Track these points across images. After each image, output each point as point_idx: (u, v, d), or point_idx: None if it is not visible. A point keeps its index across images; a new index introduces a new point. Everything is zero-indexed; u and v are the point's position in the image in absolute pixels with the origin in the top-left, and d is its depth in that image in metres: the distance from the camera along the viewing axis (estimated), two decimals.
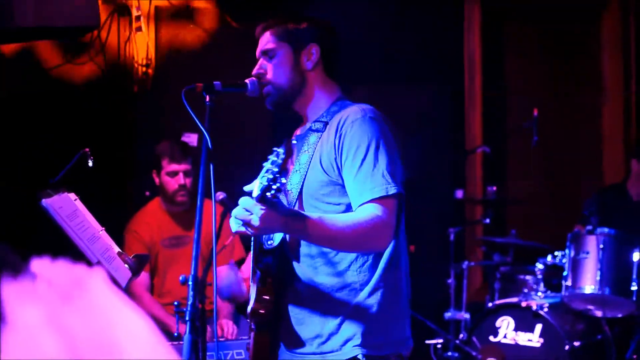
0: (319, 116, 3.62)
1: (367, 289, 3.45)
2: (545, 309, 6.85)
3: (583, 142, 9.10)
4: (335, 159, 3.43)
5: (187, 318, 3.13)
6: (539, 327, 6.86)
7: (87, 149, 4.61)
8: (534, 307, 6.86)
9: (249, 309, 3.50)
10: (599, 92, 9.05)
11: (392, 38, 8.15)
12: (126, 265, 4.04)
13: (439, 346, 7.44)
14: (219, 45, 7.59)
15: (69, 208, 3.91)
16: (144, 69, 7.32)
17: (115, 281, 3.91)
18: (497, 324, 7.04)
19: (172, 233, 6.21)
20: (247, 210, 3.11)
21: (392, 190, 3.33)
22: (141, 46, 7.30)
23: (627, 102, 8.94)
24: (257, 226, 3.11)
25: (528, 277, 7.33)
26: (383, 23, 8.07)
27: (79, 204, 4.05)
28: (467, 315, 7.53)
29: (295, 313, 3.53)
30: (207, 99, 3.46)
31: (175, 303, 3.36)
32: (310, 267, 3.49)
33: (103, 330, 1.18)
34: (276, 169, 3.00)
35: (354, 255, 3.45)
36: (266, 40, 3.66)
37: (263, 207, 3.08)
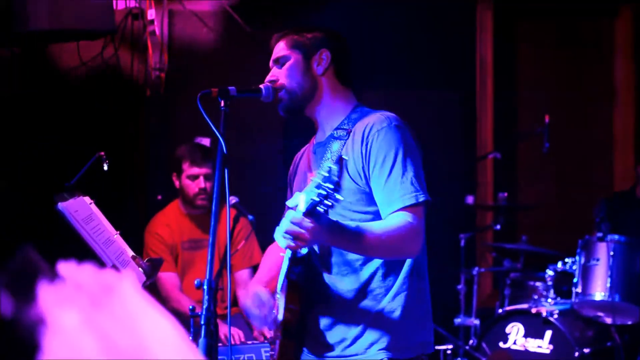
0: (339, 123, 3.66)
1: (391, 293, 3.51)
2: (555, 316, 6.85)
3: (594, 147, 9.10)
4: (363, 167, 3.48)
5: (202, 322, 3.16)
6: (548, 334, 6.86)
7: (102, 153, 4.63)
8: (544, 314, 6.86)
9: (279, 317, 3.53)
10: (610, 98, 9.05)
11: (403, 43, 8.17)
12: (140, 269, 4.06)
13: (448, 352, 7.44)
14: (231, 49, 7.61)
15: (84, 212, 3.93)
16: (157, 72, 7.35)
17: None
18: (507, 330, 7.04)
19: (191, 236, 6.26)
20: (296, 224, 3.10)
21: (421, 197, 3.39)
22: (154, 50, 7.32)
23: (639, 107, 8.93)
24: (307, 240, 3.14)
25: (538, 284, 7.33)
26: (394, 29, 8.08)
27: (94, 207, 4.07)
28: (477, 321, 7.53)
29: (321, 319, 3.59)
30: (222, 104, 3.50)
31: (190, 307, 3.38)
32: (336, 274, 3.55)
33: (135, 335, 1.20)
34: (331, 186, 2.96)
35: (378, 261, 3.51)
36: (279, 49, 3.72)
37: (311, 221, 3.10)
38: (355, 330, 3.53)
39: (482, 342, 7.13)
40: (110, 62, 7.25)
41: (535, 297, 7.23)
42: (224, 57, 7.59)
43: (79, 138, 6.86)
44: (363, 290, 3.52)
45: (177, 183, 6.25)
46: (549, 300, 7.09)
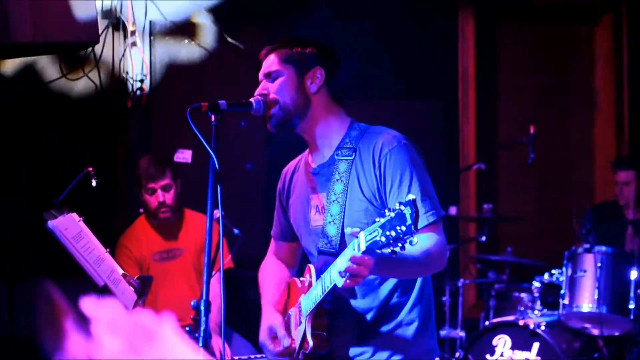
0: (339, 142, 3.63)
1: (408, 306, 3.57)
2: (543, 327, 6.81)
3: (576, 157, 9.09)
4: (378, 188, 3.48)
5: (200, 344, 3.10)
6: (536, 346, 6.82)
7: (91, 168, 4.55)
8: (531, 326, 6.82)
9: (309, 344, 3.52)
10: (591, 106, 9.06)
11: (385, 53, 8.13)
12: (131, 288, 3.98)
13: None
14: (213, 60, 7.54)
15: (74, 229, 3.85)
16: (138, 84, 7.27)
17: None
18: (494, 342, 6.99)
19: (161, 247, 6.22)
20: (355, 263, 3.06)
21: (441, 213, 3.46)
22: (136, 61, 7.24)
23: (619, 116, 8.94)
24: (364, 277, 3.13)
25: (523, 295, 7.30)
26: (375, 38, 8.05)
27: (82, 224, 3.99)
28: (462, 333, 7.50)
29: (343, 339, 3.60)
30: (213, 118, 3.44)
31: (188, 329, 3.31)
32: (358, 294, 3.57)
33: None
34: (404, 229, 2.89)
35: (395, 279, 3.55)
36: (270, 63, 3.67)
37: (369, 259, 3.07)
38: (374, 342, 3.57)
39: (468, 355, 7.08)
40: (91, 74, 7.16)
41: (521, 308, 7.19)
42: (205, 68, 7.51)
43: (61, 150, 6.77)
44: (383, 307, 3.56)
45: (141, 198, 6.23)
46: (536, 311, 7.05)
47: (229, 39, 7.44)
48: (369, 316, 3.57)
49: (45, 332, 1.21)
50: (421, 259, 3.32)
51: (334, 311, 3.56)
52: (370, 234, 2.98)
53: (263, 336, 3.75)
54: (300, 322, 3.61)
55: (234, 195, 6.90)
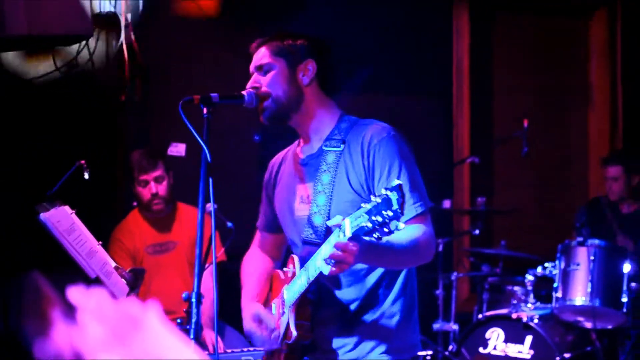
0: (328, 134, 3.64)
1: (391, 298, 3.56)
2: (536, 321, 6.83)
3: (570, 151, 9.12)
4: (367, 179, 3.48)
5: (191, 337, 3.11)
6: (529, 339, 6.84)
7: (83, 161, 4.56)
8: (525, 319, 6.84)
9: (292, 334, 3.52)
10: (586, 101, 9.08)
11: (379, 48, 8.13)
12: (123, 280, 3.99)
13: (428, 358, 7.40)
14: (209, 54, 7.55)
15: (66, 222, 3.86)
16: (133, 77, 7.26)
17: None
18: (487, 335, 7.02)
19: (155, 240, 6.24)
20: (340, 249, 3.02)
21: (429, 204, 3.46)
22: (130, 55, 7.23)
23: (614, 111, 8.96)
24: (349, 264, 3.09)
25: (517, 288, 7.31)
26: (370, 34, 8.05)
27: (75, 217, 3.99)
28: (455, 327, 7.51)
29: (326, 329, 3.60)
30: (205, 111, 3.44)
31: (179, 321, 3.32)
32: (342, 284, 3.57)
33: None
34: (391, 214, 2.86)
35: (381, 270, 3.55)
36: (261, 55, 3.67)
37: (354, 245, 3.03)
38: (357, 335, 3.57)
39: (461, 348, 7.10)
40: (85, 68, 7.14)
41: (515, 302, 7.21)
42: (200, 61, 7.51)
43: (55, 145, 6.76)
44: (367, 298, 3.56)
45: (134, 191, 6.25)
46: (529, 305, 7.07)
47: (225, 32, 7.45)
48: (352, 307, 3.56)
49: (29, 321, 1.22)
50: (409, 248, 3.32)
51: (317, 301, 3.57)
52: (355, 219, 2.95)
53: (248, 324, 3.75)
54: (283, 312, 3.61)
55: (228, 188, 6.91)
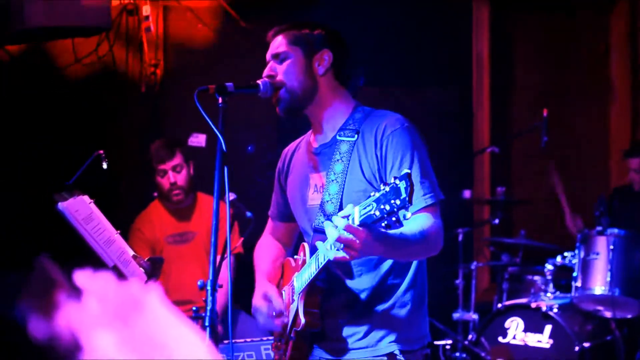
0: (342, 124, 3.63)
1: (402, 289, 3.57)
2: (555, 310, 6.83)
3: (591, 142, 9.09)
4: (379, 169, 3.48)
5: (206, 324, 3.13)
6: (548, 328, 6.84)
7: (102, 151, 4.59)
8: (544, 308, 6.84)
9: (301, 321, 3.52)
10: (606, 93, 9.04)
11: (399, 40, 8.14)
12: (141, 269, 4.02)
13: (447, 347, 7.42)
14: (227, 44, 7.58)
15: (84, 211, 3.89)
16: (153, 68, 7.30)
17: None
18: (506, 324, 7.02)
19: (175, 230, 6.26)
20: (350, 232, 3.00)
21: (440, 196, 3.43)
22: (150, 46, 7.27)
23: (635, 103, 8.93)
24: (358, 250, 3.06)
25: (536, 278, 7.32)
26: (390, 25, 8.05)
27: (93, 206, 4.02)
28: (475, 316, 7.52)
29: (336, 318, 3.60)
30: (220, 100, 3.44)
31: (194, 308, 3.34)
32: (354, 274, 3.57)
33: (163, 349, 1.16)
34: (399, 203, 2.86)
35: (391, 260, 3.54)
36: (278, 44, 3.66)
37: (364, 232, 3.01)
38: (367, 324, 3.57)
39: (481, 337, 7.11)
40: (105, 59, 7.19)
41: (534, 291, 7.21)
42: (219, 53, 7.55)
43: (75, 135, 6.82)
44: (378, 288, 3.56)
45: (155, 181, 6.30)
46: (548, 294, 7.07)
47: (243, 24, 7.48)
48: (363, 296, 3.56)
49: (29, 301, 1.25)
50: (417, 239, 3.30)
51: (327, 290, 3.56)
52: (364, 208, 2.96)
53: (257, 301, 3.74)
54: (293, 300, 3.62)
55: (247, 178, 6.94)
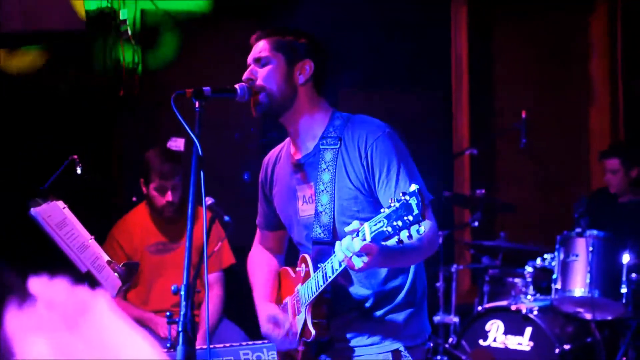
0: (322, 132, 3.66)
1: (405, 289, 3.64)
2: (535, 312, 6.83)
3: (571, 144, 9.10)
4: (367, 177, 3.53)
5: (180, 329, 3.11)
6: (528, 331, 6.84)
7: (76, 156, 4.56)
8: (524, 311, 6.84)
9: (311, 333, 3.58)
10: (586, 95, 9.06)
11: (378, 42, 8.12)
12: (115, 274, 4.00)
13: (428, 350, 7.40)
14: (205, 48, 7.56)
15: (57, 217, 3.86)
16: (131, 73, 7.27)
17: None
18: (487, 327, 7.02)
19: (158, 239, 6.17)
20: (365, 252, 3.11)
21: (429, 197, 3.46)
22: (127, 50, 7.24)
23: (614, 105, 8.95)
24: (368, 265, 3.15)
25: (517, 280, 7.32)
26: (369, 28, 8.04)
27: (67, 212, 4.00)
28: (456, 319, 7.51)
29: (341, 324, 3.66)
30: (197, 104, 3.43)
31: (168, 314, 3.32)
32: (356, 280, 3.63)
33: (109, 355, 1.15)
34: (412, 219, 2.95)
35: None
36: (261, 48, 3.67)
37: (373, 248, 3.11)
38: (372, 323, 3.64)
39: (461, 340, 7.11)
40: (83, 64, 7.15)
41: (514, 293, 7.22)
42: (197, 56, 7.52)
43: (53, 140, 6.77)
44: (380, 292, 3.62)
45: (144, 189, 6.13)
46: (529, 296, 7.07)
47: (221, 26, 7.46)
48: (366, 301, 3.63)
49: None
50: (421, 246, 3.38)
51: (332, 299, 3.61)
52: (375, 224, 3.03)
53: (265, 326, 3.80)
54: (299, 312, 3.66)
55: (225, 182, 6.91)
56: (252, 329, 5.58)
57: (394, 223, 2.97)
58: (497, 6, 8.96)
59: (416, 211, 2.93)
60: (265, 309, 3.83)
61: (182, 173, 6.09)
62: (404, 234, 2.97)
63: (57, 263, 3.75)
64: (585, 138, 9.07)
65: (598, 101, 9.01)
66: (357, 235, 3.10)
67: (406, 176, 3.46)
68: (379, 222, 3.01)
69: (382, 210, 3.02)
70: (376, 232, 3.02)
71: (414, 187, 2.97)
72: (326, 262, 3.42)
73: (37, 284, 1.14)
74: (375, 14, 8.08)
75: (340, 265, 3.29)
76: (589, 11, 9.07)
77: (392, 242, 3.02)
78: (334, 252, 3.31)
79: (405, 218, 2.94)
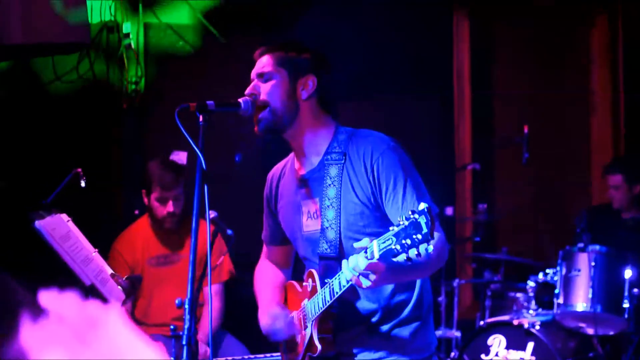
0: (327, 147, 3.67)
1: (410, 305, 3.65)
2: (537, 327, 6.81)
3: (572, 157, 9.09)
4: (373, 193, 3.54)
5: (183, 342, 3.11)
6: (530, 345, 6.82)
7: (80, 169, 4.56)
8: (526, 325, 6.82)
9: (317, 348, 3.59)
10: (587, 106, 9.06)
11: (379, 52, 8.12)
12: (119, 287, 3.99)
13: None
14: (208, 61, 7.56)
15: (62, 229, 3.86)
16: (133, 85, 7.28)
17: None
18: (489, 342, 6.99)
19: (159, 252, 6.14)
20: (371, 271, 3.14)
21: (436, 209, 3.44)
22: (130, 63, 7.25)
23: (616, 115, 8.95)
24: (375, 282, 3.19)
25: (519, 295, 7.31)
26: (370, 36, 8.04)
27: (71, 225, 4.00)
28: (458, 334, 7.50)
29: (348, 338, 3.67)
30: (201, 118, 3.43)
31: (172, 327, 3.31)
32: (363, 296, 3.64)
33: None
34: (420, 237, 2.97)
35: None
36: (264, 64, 3.68)
37: (381, 266, 3.13)
38: (378, 343, 3.64)
39: (463, 355, 7.08)
40: (86, 76, 7.16)
41: (516, 308, 7.21)
42: (200, 69, 7.52)
43: (55, 152, 6.77)
44: (387, 306, 3.63)
45: (146, 200, 6.11)
46: (531, 311, 7.06)
47: (223, 40, 7.47)
48: (373, 316, 3.64)
49: None
50: (429, 261, 3.36)
51: (338, 314, 3.61)
52: (383, 242, 3.06)
53: (266, 323, 3.80)
54: (305, 326, 3.66)
55: (228, 195, 6.90)
56: (254, 344, 5.58)
57: (403, 241, 2.99)
58: (499, 17, 8.96)
59: (425, 230, 2.95)
60: (268, 307, 3.85)
61: (184, 184, 6.08)
62: (412, 252, 2.99)
63: (65, 276, 3.77)
64: (587, 149, 9.06)
65: (599, 112, 9.01)
66: (366, 252, 3.12)
67: (412, 190, 3.47)
68: (388, 239, 3.04)
69: (391, 228, 3.04)
70: (384, 249, 3.05)
71: (422, 205, 2.98)
72: (333, 278, 3.44)
73: (47, 298, 1.13)
74: (376, 22, 8.07)
75: (347, 282, 3.31)
76: (590, 22, 9.08)
77: (400, 258, 3.03)
78: (340, 268, 3.32)
79: (414, 237, 2.97)
